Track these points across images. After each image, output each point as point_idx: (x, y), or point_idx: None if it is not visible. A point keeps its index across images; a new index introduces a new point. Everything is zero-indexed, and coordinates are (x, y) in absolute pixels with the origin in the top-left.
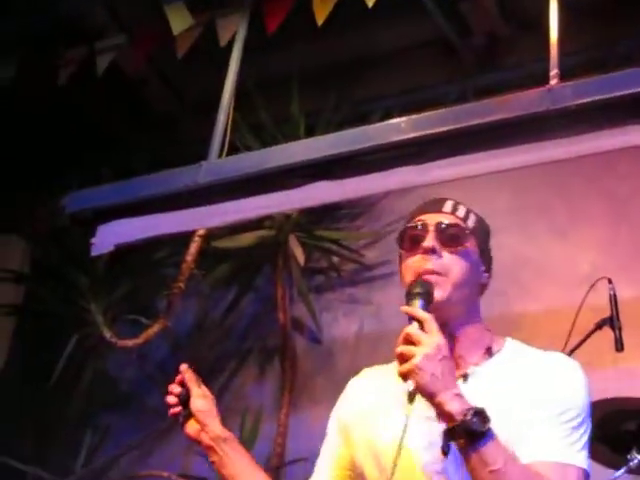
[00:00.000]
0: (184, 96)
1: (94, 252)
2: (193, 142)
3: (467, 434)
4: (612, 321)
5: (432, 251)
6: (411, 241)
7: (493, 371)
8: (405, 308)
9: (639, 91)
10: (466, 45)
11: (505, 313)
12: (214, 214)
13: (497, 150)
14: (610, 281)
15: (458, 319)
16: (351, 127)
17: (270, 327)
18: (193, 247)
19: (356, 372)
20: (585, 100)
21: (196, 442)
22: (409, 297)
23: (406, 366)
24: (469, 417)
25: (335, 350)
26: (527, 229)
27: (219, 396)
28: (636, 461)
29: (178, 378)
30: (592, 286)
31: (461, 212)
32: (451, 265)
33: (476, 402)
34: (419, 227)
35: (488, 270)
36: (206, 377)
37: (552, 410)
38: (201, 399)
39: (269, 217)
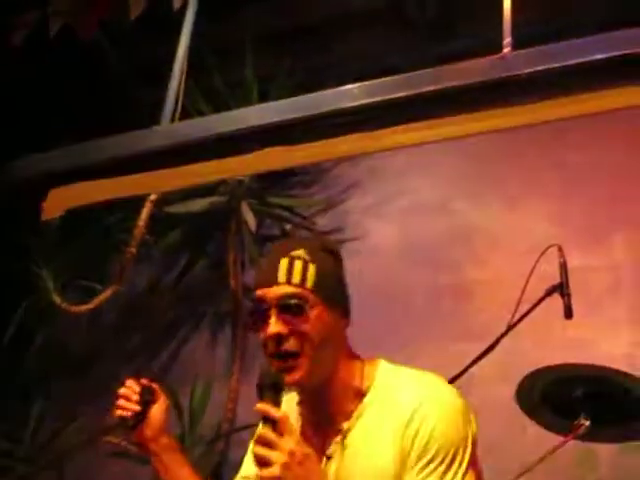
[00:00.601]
0: (137, 61)
1: (45, 216)
2: (146, 107)
3: None
4: (562, 288)
5: (278, 337)
6: (257, 321)
7: (365, 422)
8: (258, 406)
9: (592, 59)
10: (421, 13)
11: (456, 281)
12: (166, 179)
13: (449, 117)
14: (560, 249)
15: (324, 381)
16: (305, 94)
17: (222, 293)
18: (145, 212)
19: None
20: (538, 68)
21: (141, 446)
22: (261, 391)
23: (267, 473)
24: None
25: None
26: (479, 197)
27: (170, 362)
28: (583, 427)
29: (142, 382)
30: (542, 253)
31: (297, 275)
32: (301, 343)
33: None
34: (260, 308)
35: (346, 314)
36: (157, 343)
37: (418, 460)
38: (163, 407)
39: (221, 183)
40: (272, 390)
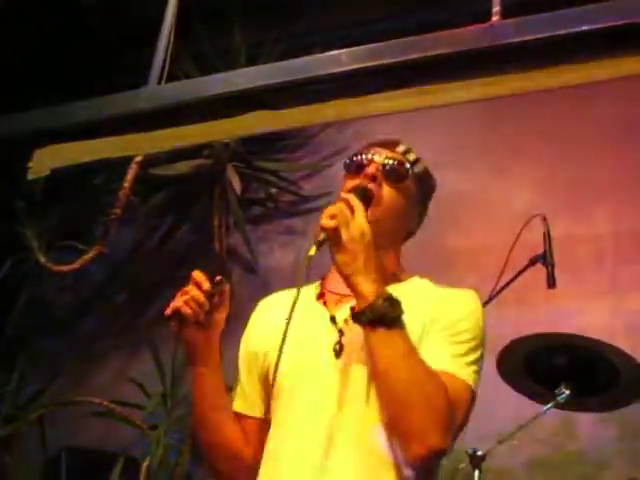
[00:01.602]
0: (126, 23)
1: (30, 176)
2: (134, 69)
3: (376, 316)
4: (545, 258)
5: (373, 178)
6: (356, 167)
7: (396, 293)
8: (343, 194)
9: (580, 30)
10: None
11: (441, 249)
12: (152, 141)
13: (437, 85)
14: (544, 218)
15: (376, 247)
16: (292, 59)
17: (206, 256)
18: (130, 174)
19: None
20: (527, 38)
21: (191, 347)
22: (348, 192)
23: (330, 224)
24: (381, 301)
25: (270, 280)
26: (464, 166)
27: (154, 323)
28: (564, 396)
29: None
30: (527, 223)
31: (411, 156)
32: (386, 196)
33: None
34: (366, 157)
35: (419, 222)
36: (142, 303)
37: (447, 330)
38: (226, 312)
39: (207, 146)
40: (359, 192)
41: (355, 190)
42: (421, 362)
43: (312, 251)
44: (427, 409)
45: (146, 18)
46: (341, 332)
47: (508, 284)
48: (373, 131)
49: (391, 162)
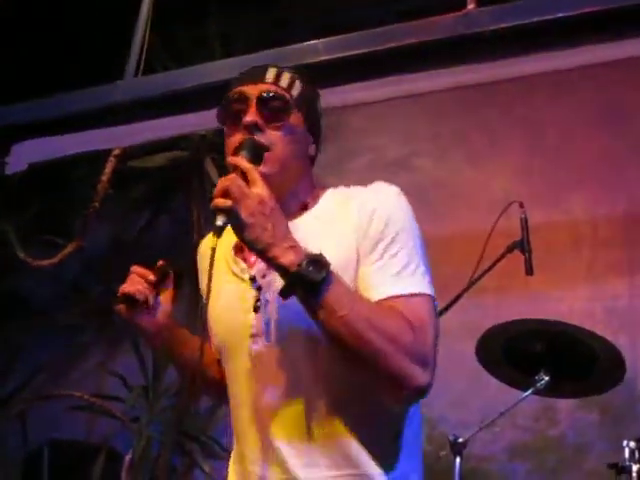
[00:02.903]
0: (101, 14)
1: (8, 171)
2: (109, 62)
3: (304, 284)
4: (523, 245)
5: (255, 127)
6: (232, 116)
7: (307, 224)
8: (231, 158)
9: (556, 17)
10: None
11: None
12: (129, 133)
13: (413, 74)
14: (522, 205)
15: (286, 192)
16: (269, 49)
17: (185, 249)
18: (108, 167)
19: None
20: (501, 26)
21: (142, 329)
22: (235, 152)
23: (225, 204)
24: (304, 266)
25: None
26: (442, 154)
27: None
28: (543, 382)
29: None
30: (504, 210)
31: (284, 81)
32: (275, 140)
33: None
34: (239, 100)
35: (316, 141)
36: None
37: (376, 251)
38: (172, 293)
39: (185, 137)
40: (246, 150)
41: (242, 149)
42: (369, 307)
43: (213, 242)
44: (398, 354)
45: (121, 10)
46: (259, 288)
47: (486, 271)
48: (348, 121)
49: (267, 99)
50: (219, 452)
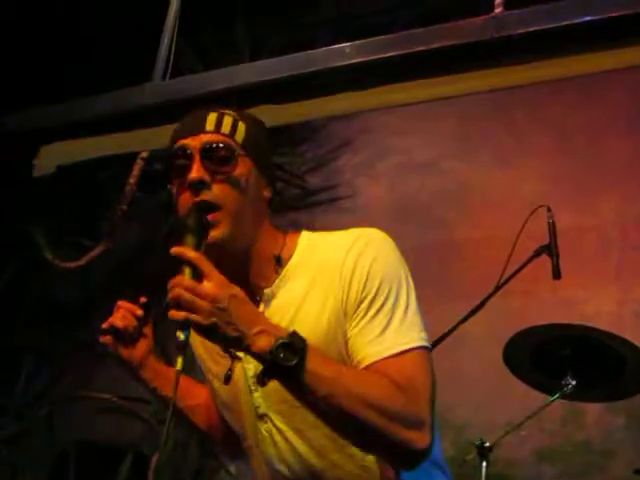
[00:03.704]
0: (129, 17)
1: (36, 173)
2: (137, 65)
3: (280, 370)
4: (550, 249)
5: (200, 183)
6: (177, 172)
7: (286, 288)
8: (175, 249)
9: (584, 20)
10: None
11: (446, 239)
12: (158, 136)
13: (441, 77)
14: (549, 209)
15: (245, 248)
16: (296, 52)
17: None
18: (136, 169)
19: None
20: (530, 29)
21: (123, 361)
22: (182, 233)
23: (180, 316)
24: (276, 352)
25: None
26: (471, 157)
27: (161, 318)
28: (570, 386)
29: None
30: (531, 214)
31: (227, 127)
32: (224, 196)
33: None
34: (182, 155)
35: (271, 182)
36: (148, 300)
37: (359, 309)
38: (151, 329)
39: None
40: (194, 233)
41: (186, 231)
42: (351, 379)
43: (179, 365)
44: (389, 424)
45: (150, 13)
46: (233, 357)
47: (513, 275)
48: (378, 123)
49: (210, 150)
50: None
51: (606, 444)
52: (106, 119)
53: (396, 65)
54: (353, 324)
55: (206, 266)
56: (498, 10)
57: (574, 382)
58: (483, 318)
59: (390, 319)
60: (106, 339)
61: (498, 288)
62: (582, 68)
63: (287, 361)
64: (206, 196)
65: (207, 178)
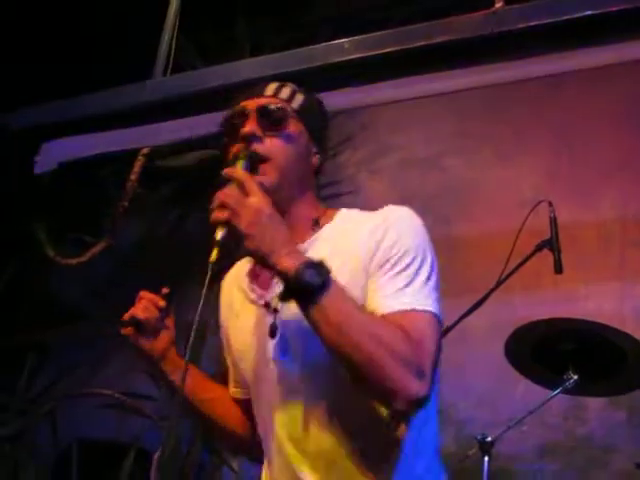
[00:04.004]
0: (130, 15)
1: (37, 170)
2: (138, 62)
3: (301, 287)
4: (551, 243)
5: (252, 136)
6: (232, 130)
7: (319, 244)
8: (225, 170)
9: (582, 15)
10: None
11: (447, 236)
12: (158, 132)
13: (441, 72)
14: (550, 204)
15: (288, 202)
16: (296, 48)
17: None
18: (137, 166)
19: None
20: (530, 24)
21: (145, 354)
22: (231, 162)
23: (222, 217)
24: (302, 271)
25: None
26: (471, 153)
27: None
28: (572, 381)
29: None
30: (533, 209)
31: (285, 93)
32: (274, 149)
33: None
34: (239, 113)
35: (321, 150)
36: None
37: (385, 264)
38: (173, 320)
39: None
40: (243, 158)
41: (237, 159)
42: (366, 316)
43: (213, 256)
44: (393, 361)
45: (150, 10)
46: (275, 311)
47: (515, 270)
48: (379, 119)
49: (266, 110)
50: None
51: (608, 439)
52: (107, 116)
53: (395, 61)
54: (374, 279)
55: (252, 185)
56: (498, 5)
57: (576, 377)
58: (484, 313)
59: (411, 281)
60: (127, 330)
61: (500, 283)
62: (581, 63)
63: (311, 279)
64: (257, 148)
65: (259, 132)
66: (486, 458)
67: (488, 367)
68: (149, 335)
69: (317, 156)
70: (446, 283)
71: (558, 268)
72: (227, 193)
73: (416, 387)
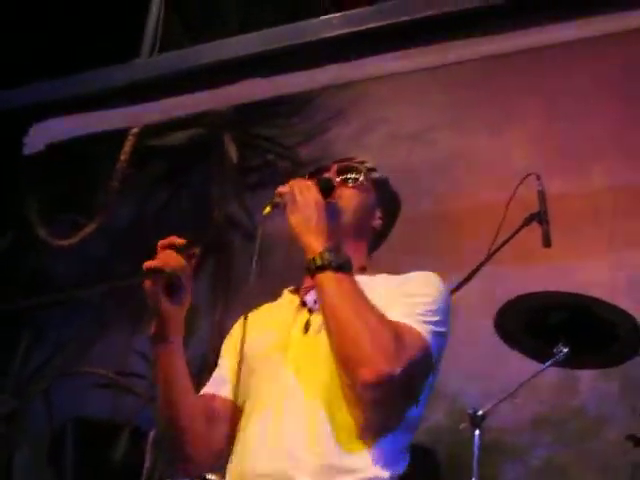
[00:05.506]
0: None
1: (26, 151)
2: (125, 41)
3: (323, 262)
4: (540, 216)
5: (329, 181)
6: (314, 174)
7: (361, 282)
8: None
9: None
10: None
11: (435, 209)
12: (147, 112)
13: (428, 46)
14: (539, 177)
15: (344, 239)
16: (284, 24)
17: (206, 225)
18: (127, 145)
19: (290, 268)
20: None
21: (161, 319)
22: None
23: (285, 189)
24: (328, 251)
25: (269, 247)
26: (459, 125)
27: None
28: (562, 354)
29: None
30: (521, 182)
31: (367, 164)
32: (344, 195)
33: None
34: (324, 169)
35: (384, 219)
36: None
37: (406, 297)
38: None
39: (203, 114)
40: (318, 183)
41: (313, 180)
42: (368, 303)
43: (267, 210)
44: (372, 339)
45: None
46: (310, 310)
47: (504, 243)
48: (368, 94)
49: (347, 168)
50: None
51: (600, 410)
52: (96, 96)
53: (383, 35)
54: (394, 300)
55: (316, 191)
56: None
57: (567, 349)
58: (474, 286)
59: (424, 314)
60: (147, 283)
61: (489, 257)
62: (568, 34)
63: (337, 257)
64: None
65: (335, 180)
66: (477, 432)
67: (480, 340)
68: (173, 293)
69: (380, 221)
70: (436, 257)
71: (547, 241)
72: (297, 180)
73: (381, 364)
